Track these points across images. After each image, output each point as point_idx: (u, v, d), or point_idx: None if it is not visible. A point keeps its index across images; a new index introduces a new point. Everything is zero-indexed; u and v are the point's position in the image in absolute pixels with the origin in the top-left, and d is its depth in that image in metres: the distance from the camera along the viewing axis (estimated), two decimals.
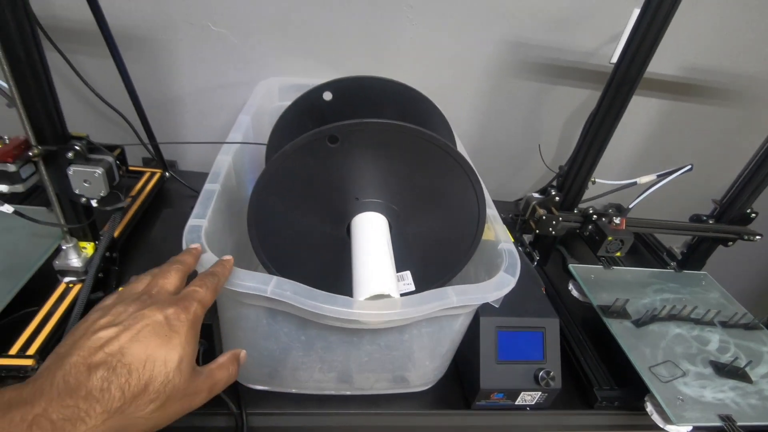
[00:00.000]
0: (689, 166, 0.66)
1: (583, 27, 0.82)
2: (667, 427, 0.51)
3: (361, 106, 0.54)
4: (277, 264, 0.49)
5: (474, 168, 0.46)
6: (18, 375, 0.46)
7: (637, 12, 0.54)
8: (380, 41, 0.80)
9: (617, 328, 0.61)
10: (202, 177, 0.49)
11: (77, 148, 0.49)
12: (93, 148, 0.52)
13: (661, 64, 0.87)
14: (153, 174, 0.80)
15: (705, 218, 0.74)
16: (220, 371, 0.32)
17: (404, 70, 0.84)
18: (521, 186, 1.03)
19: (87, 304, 0.52)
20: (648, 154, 1.01)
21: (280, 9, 0.75)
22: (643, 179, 0.71)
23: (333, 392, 0.53)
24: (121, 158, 0.55)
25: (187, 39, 0.77)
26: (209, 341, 0.47)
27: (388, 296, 0.38)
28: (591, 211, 0.68)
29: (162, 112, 0.83)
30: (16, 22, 0.42)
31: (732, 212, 0.73)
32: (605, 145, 0.63)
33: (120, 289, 0.34)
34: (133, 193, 0.73)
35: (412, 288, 0.48)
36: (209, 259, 0.38)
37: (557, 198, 0.68)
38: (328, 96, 0.54)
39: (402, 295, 0.39)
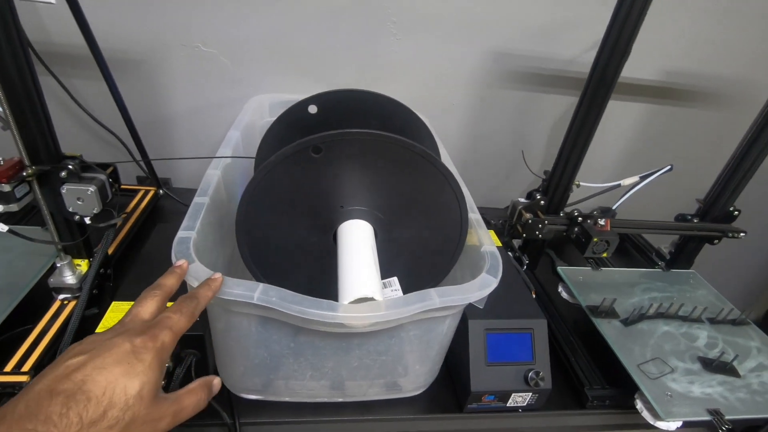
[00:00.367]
0: (669, 167, 0.68)
1: (564, 36, 0.85)
2: (657, 424, 0.52)
3: (346, 118, 0.56)
4: (268, 274, 0.50)
5: (455, 174, 0.47)
6: (13, 391, 0.47)
7: None
8: (367, 56, 0.83)
9: (606, 327, 0.62)
10: (195, 193, 0.51)
11: (70, 167, 0.51)
12: (86, 167, 0.53)
13: (642, 69, 0.90)
14: (147, 192, 0.81)
15: (690, 217, 0.76)
16: (189, 397, 0.33)
17: (391, 84, 0.86)
18: (512, 192, 1.05)
19: (81, 321, 0.53)
20: (633, 158, 1.03)
21: (268, 28, 0.78)
22: (627, 181, 0.73)
23: (326, 399, 0.53)
24: (114, 176, 0.57)
25: (178, 60, 0.79)
26: (201, 352, 0.48)
27: (372, 299, 0.39)
28: (576, 214, 0.69)
29: (155, 131, 0.85)
30: (9, 48, 0.44)
31: (715, 211, 0.75)
32: (586, 148, 0.65)
33: None
34: (128, 210, 0.75)
35: (400, 294, 0.49)
36: (197, 269, 0.39)
37: (542, 202, 0.70)
38: (313, 109, 0.56)
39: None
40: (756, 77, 0.93)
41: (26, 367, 0.48)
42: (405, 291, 0.49)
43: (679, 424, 0.52)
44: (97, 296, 0.59)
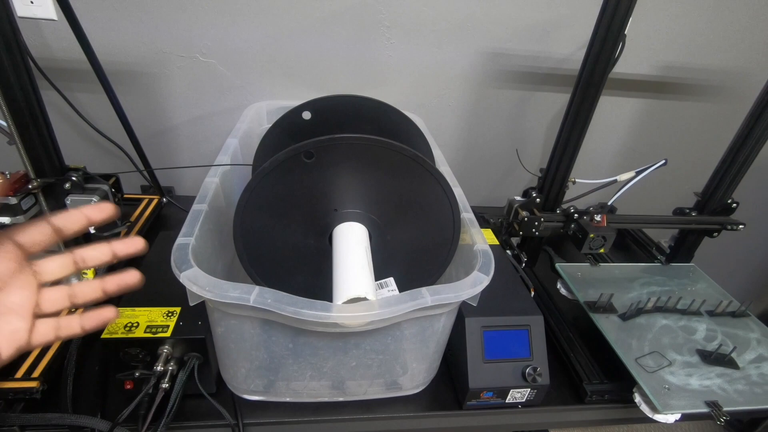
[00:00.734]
0: (663, 161, 0.68)
1: (557, 34, 0.85)
2: (655, 416, 0.52)
3: (339, 123, 0.57)
4: (267, 278, 0.51)
5: (446, 175, 0.48)
6: (24, 397, 0.48)
7: None
8: (362, 61, 0.84)
9: (604, 322, 0.62)
10: None
11: (74, 178, 0.52)
12: (89, 178, 0.55)
13: (635, 64, 0.90)
14: (151, 200, 0.83)
15: (688, 211, 0.76)
16: None
17: (387, 88, 0.87)
18: (510, 191, 1.06)
19: None
20: (630, 153, 1.03)
21: (264, 37, 0.79)
22: (623, 176, 0.73)
23: (327, 399, 0.54)
24: (117, 186, 0.58)
25: (177, 71, 0.81)
26: (204, 355, 0.49)
27: (365, 299, 0.40)
28: (572, 210, 0.70)
29: (157, 140, 0.87)
30: (13, 67, 0.46)
31: (713, 203, 0.74)
32: (579, 145, 0.65)
33: None
34: (132, 218, 0.77)
35: (397, 294, 0.50)
36: (197, 275, 0.40)
37: (538, 200, 0.70)
38: (307, 115, 0.57)
39: None
40: (750, 69, 0.93)
41: (36, 373, 0.49)
42: (401, 291, 0.50)
43: (677, 416, 0.52)
44: (103, 304, 0.60)
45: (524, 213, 0.70)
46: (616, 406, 0.58)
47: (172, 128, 0.88)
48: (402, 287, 0.50)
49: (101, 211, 0.36)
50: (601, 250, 0.69)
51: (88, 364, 0.54)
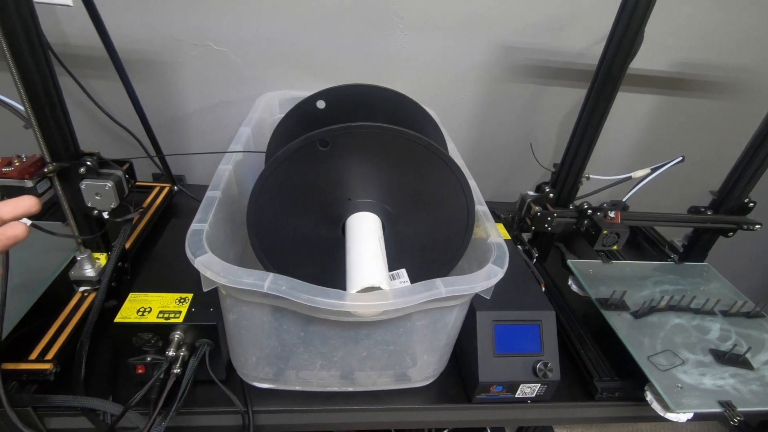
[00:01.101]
0: (680, 158, 0.67)
1: (572, 28, 0.84)
2: (667, 415, 0.52)
3: (353, 112, 0.57)
4: (279, 266, 0.51)
5: (461, 167, 0.48)
6: (37, 379, 0.49)
7: None
8: (374, 53, 0.84)
9: (616, 320, 0.62)
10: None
11: (89, 163, 0.53)
12: (103, 164, 0.55)
13: (653, 60, 0.89)
14: (162, 188, 0.83)
15: (703, 210, 0.75)
16: None
17: (399, 79, 0.87)
18: (521, 186, 1.04)
19: (101, 312, 0.55)
20: (645, 150, 1.01)
21: (277, 27, 0.79)
22: (638, 173, 0.72)
23: (336, 389, 0.54)
24: (130, 172, 0.58)
25: (190, 59, 0.81)
26: (215, 341, 0.50)
27: (379, 288, 0.40)
28: (586, 206, 0.69)
29: (169, 128, 0.87)
30: (30, 51, 0.46)
31: (730, 202, 0.73)
32: (595, 141, 0.65)
33: None
34: (144, 206, 0.77)
35: (410, 285, 0.49)
36: (211, 261, 0.40)
37: (551, 195, 0.70)
38: (321, 104, 0.57)
39: None
40: None
41: (50, 356, 0.50)
42: (413, 283, 0.49)
43: (689, 415, 0.51)
44: (115, 288, 0.61)
45: (537, 208, 0.69)
46: (626, 403, 0.58)
47: (184, 117, 0.88)
48: (413, 279, 0.50)
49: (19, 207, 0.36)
50: (614, 247, 0.68)
51: (100, 348, 0.55)
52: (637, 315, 0.63)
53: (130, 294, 0.50)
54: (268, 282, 0.39)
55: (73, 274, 0.58)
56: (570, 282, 0.74)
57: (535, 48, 0.86)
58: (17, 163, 0.51)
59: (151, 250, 0.60)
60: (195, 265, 0.39)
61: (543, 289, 0.62)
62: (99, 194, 0.53)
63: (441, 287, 0.41)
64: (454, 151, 0.65)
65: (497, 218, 0.85)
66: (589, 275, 0.71)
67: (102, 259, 0.60)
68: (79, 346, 0.51)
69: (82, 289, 0.59)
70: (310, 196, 0.48)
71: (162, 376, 0.47)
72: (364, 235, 0.45)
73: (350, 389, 0.55)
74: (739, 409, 0.51)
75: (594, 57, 0.62)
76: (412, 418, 0.56)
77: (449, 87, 0.89)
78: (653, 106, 0.95)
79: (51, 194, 0.54)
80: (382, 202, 0.49)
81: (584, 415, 0.59)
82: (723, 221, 0.74)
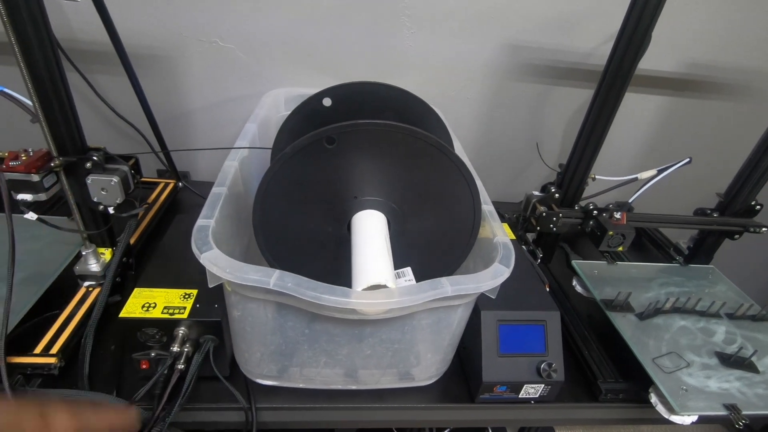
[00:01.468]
0: (687, 159, 0.67)
1: (580, 28, 0.84)
2: (672, 418, 0.52)
3: (360, 110, 0.57)
4: (284, 264, 0.51)
5: (468, 166, 0.48)
6: (42, 372, 0.49)
7: None
8: (381, 50, 0.83)
9: (620, 321, 0.62)
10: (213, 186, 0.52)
11: (95, 158, 0.53)
12: (109, 159, 0.55)
13: (661, 60, 0.88)
14: (167, 184, 0.83)
15: (709, 212, 0.74)
16: None
17: (406, 77, 0.87)
18: (527, 187, 1.03)
19: (105, 307, 0.55)
20: (652, 151, 1.01)
21: (283, 24, 0.79)
22: (644, 174, 0.72)
23: (340, 387, 0.54)
24: (136, 168, 0.59)
25: (196, 55, 0.81)
26: (219, 338, 0.50)
27: (385, 286, 0.39)
28: (591, 207, 0.69)
29: (175, 125, 0.87)
30: (39, 46, 0.46)
31: (736, 205, 0.73)
32: (601, 141, 0.64)
33: None
34: (149, 201, 0.77)
35: (414, 283, 0.49)
36: (217, 256, 0.40)
37: (557, 195, 0.69)
38: (327, 102, 0.57)
39: None
40: None
41: (54, 350, 0.50)
42: (418, 281, 0.49)
43: (694, 418, 0.51)
44: (119, 284, 0.61)
45: (542, 208, 0.69)
46: (630, 405, 0.58)
47: (189, 113, 0.88)
48: (419, 278, 0.49)
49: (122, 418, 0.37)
50: (620, 248, 0.68)
51: (104, 343, 0.55)
52: (642, 317, 0.63)
53: (135, 289, 0.50)
54: (274, 278, 0.38)
55: (78, 268, 0.58)
56: (574, 283, 0.74)
57: (543, 47, 0.85)
58: (24, 157, 0.51)
59: (155, 246, 0.60)
60: (201, 261, 0.39)
61: (547, 289, 0.62)
62: (105, 189, 0.53)
63: (447, 286, 0.40)
64: (460, 150, 0.65)
65: (502, 218, 0.85)
66: (594, 276, 0.71)
67: (107, 254, 0.60)
68: (84, 341, 0.52)
69: (86, 283, 0.59)
70: (316, 194, 0.48)
71: (166, 371, 0.47)
72: (370, 233, 0.45)
73: (353, 387, 0.55)
74: (744, 412, 0.51)
75: (602, 57, 0.61)
76: (415, 417, 0.56)
77: (456, 86, 0.89)
78: (661, 107, 0.95)
79: (57, 189, 0.54)
80: (389, 200, 0.49)
81: (587, 416, 0.59)
82: (729, 223, 0.73)
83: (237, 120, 0.88)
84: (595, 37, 0.85)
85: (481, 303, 0.52)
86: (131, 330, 0.48)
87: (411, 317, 0.46)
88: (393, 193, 0.48)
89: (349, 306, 0.38)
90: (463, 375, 0.58)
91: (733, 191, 0.72)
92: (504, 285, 0.44)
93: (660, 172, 0.69)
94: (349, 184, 0.47)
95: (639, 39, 0.56)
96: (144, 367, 0.50)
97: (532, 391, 0.54)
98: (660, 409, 0.53)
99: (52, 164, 0.50)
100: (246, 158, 0.59)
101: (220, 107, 0.87)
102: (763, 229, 0.72)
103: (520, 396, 0.54)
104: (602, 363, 0.60)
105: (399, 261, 0.48)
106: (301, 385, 0.54)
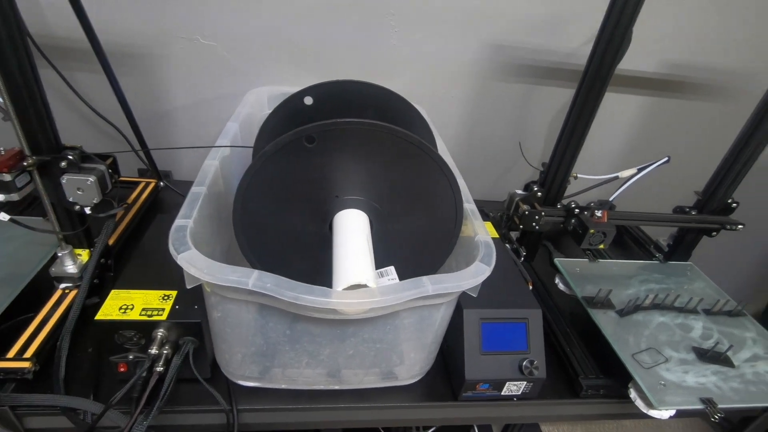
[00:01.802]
0: (666, 159, 0.68)
1: (563, 28, 0.84)
2: (650, 412, 0.53)
3: (341, 109, 0.56)
4: (266, 263, 0.50)
5: (450, 164, 0.48)
6: (16, 377, 0.48)
7: None
8: (366, 50, 0.83)
9: (601, 318, 0.62)
10: None
11: (70, 157, 0.51)
12: (86, 158, 0.54)
13: (641, 61, 0.89)
14: (148, 184, 0.82)
15: (688, 210, 0.76)
16: None
17: (390, 76, 0.86)
18: (511, 185, 1.04)
19: (82, 309, 0.54)
20: (632, 150, 1.02)
21: (267, 21, 0.78)
22: (625, 173, 0.73)
23: (323, 387, 0.54)
24: (114, 167, 0.57)
25: (177, 52, 0.79)
26: (199, 339, 0.49)
27: (366, 286, 0.39)
28: (573, 206, 0.69)
29: (155, 123, 0.86)
30: (9, 39, 0.45)
31: (714, 203, 0.75)
32: (582, 140, 0.65)
33: None
34: (129, 201, 0.76)
35: (397, 282, 0.49)
36: (195, 257, 0.39)
37: (539, 194, 0.70)
38: (309, 100, 0.56)
39: None
40: (755, 69, 0.93)
41: (28, 354, 0.49)
42: (401, 280, 0.49)
43: (672, 412, 0.52)
44: (98, 286, 0.60)
45: (525, 207, 0.69)
46: (611, 401, 0.58)
47: (170, 111, 0.86)
48: (402, 277, 0.49)
49: None
50: (601, 246, 0.69)
51: (81, 346, 0.54)
52: (622, 313, 0.64)
53: (113, 291, 0.49)
54: (253, 279, 0.38)
55: (53, 270, 0.57)
56: (557, 280, 0.75)
57: (526, 47, 0.86)
58: None
59: (135, 247, 0.59)
60: (178, 262, 0.39)
61: (530, 287, 0.63)
62: (81, 189, 0.52)
63: (428, 285, 0.40)
64: (443, 149, 0.65)
65: (486, 217, 0.85)
66: (576, 274, 0.72)
67: (84, 255, 0.59)
68: (59, 344, 0.50)
69: (63, 285, 0.57)
70: (298, 193, 0.47)
71: (144, 374, 0.47)
72: (352, 232, 0.45)
73: (337, 387, 0.54)
74: (720, 406, 0.52)
75: (584, 57, 0.62)
76: (399, 416, 0.56)
77: (439, 84, 0.89)
78: (641, 107, 0.96)
79: (31, 188, 0.53)
80: (370, 200, 0.48)
81: (570, 412, 0.59)
82: (707, 221, 0.75)
83: (219, 119, 0.87)
84: (578, 38, 0.86)
85: (464, 301, 0.53)
86: (108, 332, 0.47)
87: (393, 316, 0.46)
88: (375, 192, 0.48)
89: (329, 306, 0.38)
90: (447, 373, 0.58)
91: (711, 189, 0.74)
92: (487, 283, 0.44)
93: (640, 170, 0.70)
94: (330, 183, 0.47)
95: (618, 38, 0.57)
96: (122, 370, 0.49)
97: (514, 388, 0.54)
98: (639, 404, 0.54)
99: (25, 163, 0.49)
100: (227, 157, 0.59)
101: (202, 106, 0.86)
102: (739, 226, 0.74)
103: (502, 393, 0.55)
104: (583, 359, 0.61)
105: (382, 260, 0.48)
106: (283, 386, 0.53)
